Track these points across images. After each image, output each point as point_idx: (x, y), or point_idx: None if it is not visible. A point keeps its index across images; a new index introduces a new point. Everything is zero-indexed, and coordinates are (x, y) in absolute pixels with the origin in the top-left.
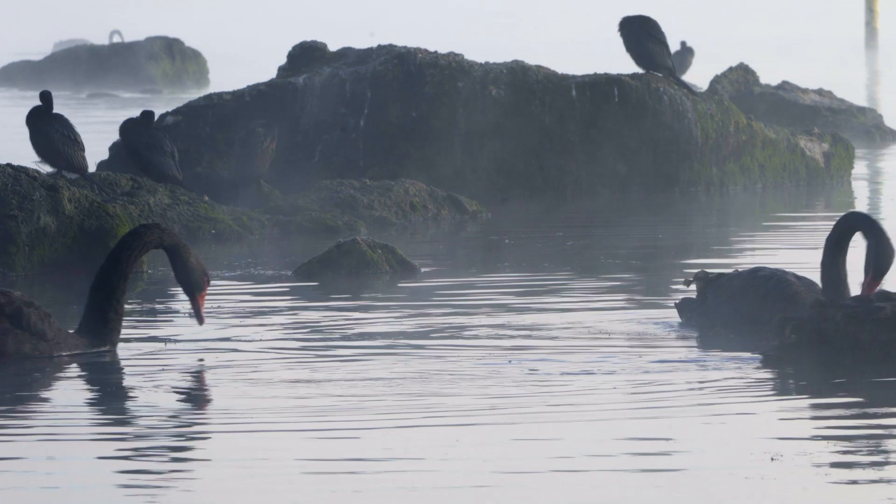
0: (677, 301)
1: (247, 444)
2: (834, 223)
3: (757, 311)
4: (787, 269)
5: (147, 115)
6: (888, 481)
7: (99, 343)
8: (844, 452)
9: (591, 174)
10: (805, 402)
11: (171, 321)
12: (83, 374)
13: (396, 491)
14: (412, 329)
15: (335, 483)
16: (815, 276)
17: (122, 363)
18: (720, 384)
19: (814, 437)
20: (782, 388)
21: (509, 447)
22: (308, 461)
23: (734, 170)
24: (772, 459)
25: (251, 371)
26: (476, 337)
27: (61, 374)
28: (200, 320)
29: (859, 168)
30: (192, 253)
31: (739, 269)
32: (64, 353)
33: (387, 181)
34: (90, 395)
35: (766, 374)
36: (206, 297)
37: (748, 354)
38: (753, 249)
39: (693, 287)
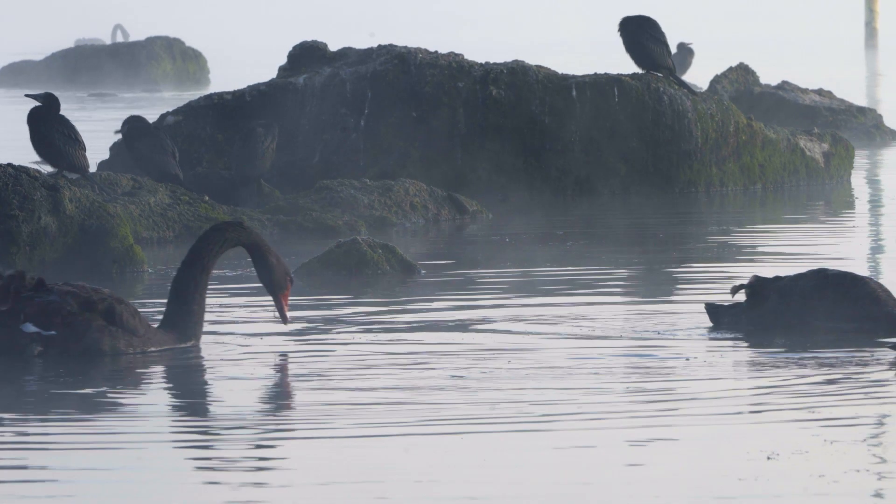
0: (708, 304)
1: (253, 446)
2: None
3: (835, 309)
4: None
5: (137, 118)
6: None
7: (184, 338)
8: (844, 452)
9: (591, 174)
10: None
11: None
12: (170, 371)
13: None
14: (412, 329)
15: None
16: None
17: (206, 358)
18: (733, 386)
19: (814, 437)
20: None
21: (510, 449)
22: (315, 466)
23: (734, 170)
24: (767, 458)
25: (251, 371)
26: (477, 337)
27: (152, 372)
28: (284, 320)
29: (859, 168)
30: (273, 252)
31: (787, 273)
32: (153, 349)
33: (387, 181)
34: (175, 395)
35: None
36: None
37: (800, 354)
38: (754, 249)
39: (735, 295)
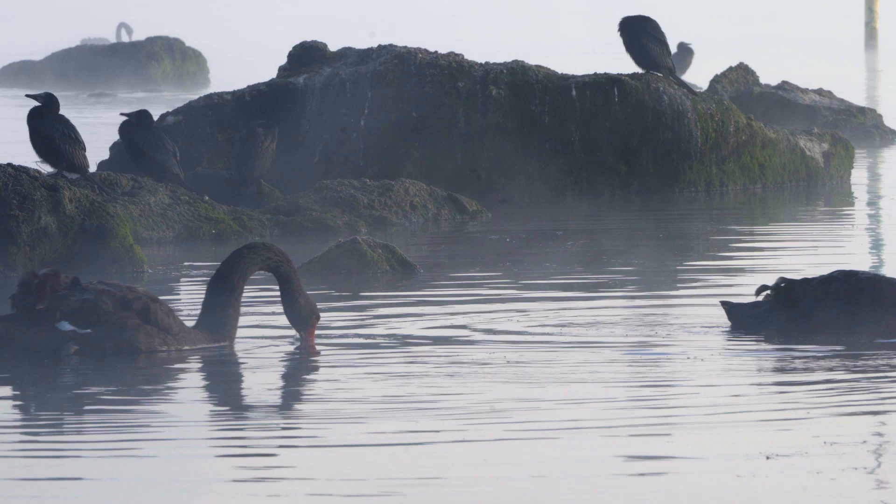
0: (725, 303)
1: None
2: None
3: (872, 314)
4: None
5: (144, 114)
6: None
7: (218, 338)
8: (843, 453)
9: (591, 174)
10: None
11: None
12: (206, 370)
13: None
14: (412, 329)
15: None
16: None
17: (241, 357)
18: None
19: (813, 438)
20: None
21: (510, 452)
22: (323, 471)
23: (734, 170)
24: (767, 458)
25: (252, 371)
26: (476, 337)
27: (185, 371)
28: (308, 353)
29: (859, 168)
30: (301, 291)
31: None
32: (187, 347)
33: (387, 181)
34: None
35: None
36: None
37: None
38: (755, 249)
39: (760, 295)
